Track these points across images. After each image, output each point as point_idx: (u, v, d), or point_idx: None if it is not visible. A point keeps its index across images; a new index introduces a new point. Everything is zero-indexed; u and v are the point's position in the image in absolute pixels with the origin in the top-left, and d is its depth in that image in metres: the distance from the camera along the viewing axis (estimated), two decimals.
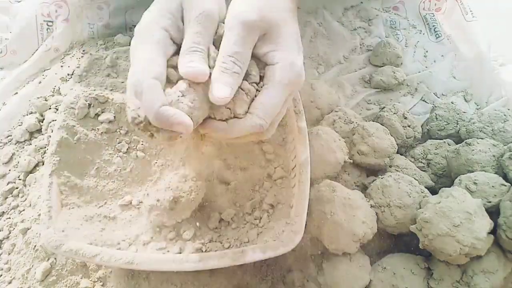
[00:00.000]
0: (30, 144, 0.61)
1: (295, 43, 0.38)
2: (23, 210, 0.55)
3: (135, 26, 0.37)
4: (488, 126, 0.57)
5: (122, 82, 0.53)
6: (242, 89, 0.35)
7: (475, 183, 0.48)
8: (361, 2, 0.82)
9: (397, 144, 0.57)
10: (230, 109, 0.34)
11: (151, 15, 0.35)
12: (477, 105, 0.71)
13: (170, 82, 0.34)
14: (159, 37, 0.34)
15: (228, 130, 0.35)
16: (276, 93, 0.36)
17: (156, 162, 0.51)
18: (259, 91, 0.36)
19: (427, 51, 0.76)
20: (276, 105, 0.36)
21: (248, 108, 0.35)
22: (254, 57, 0.37)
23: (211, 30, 0.35)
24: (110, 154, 0.49)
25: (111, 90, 0.52)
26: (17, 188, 0.57)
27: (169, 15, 0.35)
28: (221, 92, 0.33)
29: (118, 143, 0.50)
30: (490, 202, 0.47)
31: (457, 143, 0.59)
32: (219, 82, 0.33)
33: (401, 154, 0.61)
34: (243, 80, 0.35)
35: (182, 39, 0.35)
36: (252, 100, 0.36)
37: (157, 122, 0.31)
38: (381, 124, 0.58)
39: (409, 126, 0.61)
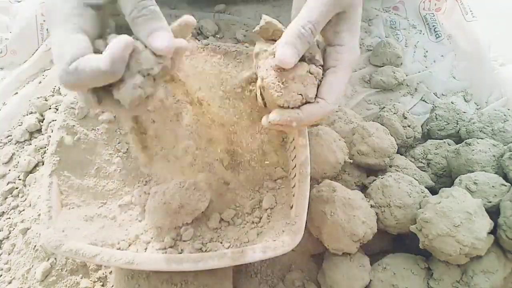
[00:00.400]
0: (30, 144, 0.61)
1: (359, 26, 0.38)
2: (23, 210, 0.55)
3: None
4: (488, 126, 0.57)
5: None
6: (311, 73, 0.34)
7: (475, 183, 0.48)
8: None
9: (397, 144, 0.57)
10: (301, 94, 0.34)
11: None
12: (477, 105, 0.71)
13: None
14: (67, 11, 0.29)
15: (303, 118, 0.34)
16: (344, 76, 0.35)
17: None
18: (324, 74, 0.35)
19: (427, 51, 0.76)
20: (343, 88, 0.35)
21: (317, 91, 0.35)
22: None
23: None
24: (110, 154, 0.49)
25: None
26: (17, 188, 0.57)
27: None
28: (290, 55, 0.32)
29: (118, 143, 0.50)
30: (490, 202, 0.47)
31: (457, 143, 0.59)
32: (291, 45, 0.32)
33: (401, 154, 0.61)
34: (311, 63, 0.35)
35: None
36: (318, 83, 0.35)
37: (116, 68, 0.27)
38: (381, 124, 0.58)
39: (409, 126, 0.61)
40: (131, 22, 0.29)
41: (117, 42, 0.27)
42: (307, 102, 0.34)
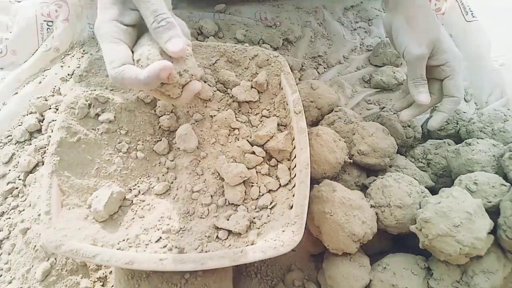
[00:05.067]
0: (30, 144, 0.61)
1: (446, 35, 0.54)
2: (23, 210, 0.55)
3: None
4: (488, 126, 0.57)
5: None
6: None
7: (475, 183, 0.48)
8: (361, 2, 0.82)
9: (397, 144, 0.57)
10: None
11: (98, 17, 0.38)
12: (477, 105, 0.71)
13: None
14: (110, 30, 0.37)
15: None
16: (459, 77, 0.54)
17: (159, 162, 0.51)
18: None
19: None
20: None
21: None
22: None
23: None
24: (110, 154, 0.49)
25: (111, 90, 0.52)
26: (17, 188, 0.57)
27: (109, 5, 0.38)
28: (426, 99, 0.53)
29: (118, 143, 0.50)
30: (490, 202, 0.47)
31: (457, 143, 0.59)
32: (424, 92, 0.53)
33: (401, 154, 0.61)
34: None
35: (134, 17, 0.38)
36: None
37: (147, 85, 0.35)
38: (381, 124, 0.58)
39: (409, 126, 0.61)
40: (153, 31, 0.36)
41: (157, 65, 0.34)
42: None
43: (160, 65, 0.34)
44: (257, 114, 0.54)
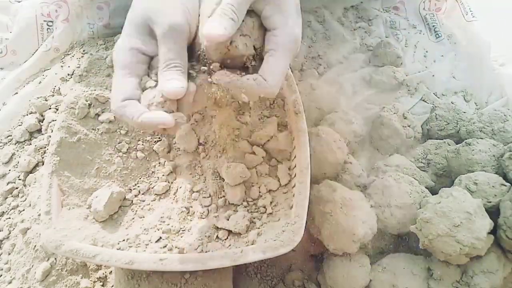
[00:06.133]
0: (30, 144, 0.61)
1: (294, 7, 0.38)
2: (23, 210, 0.55)
3: None
4: (488, 126, 0.57)
5: None
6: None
7: (475, 183, 0.48)
8: (361, 2, 0.82)
9: (397, 144, 0.57)
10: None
11: (120, 40, 0.37)
12: (477, 105, 0.71)
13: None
14: (126, 60, 0.36)
15: (239, 85, 0.36)
16: (282, 59, 0.37)
17: (159, 163, 0.51)
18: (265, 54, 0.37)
19: (427, 51, 0.76)
20: (282, 70, 0.37)
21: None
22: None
23: (183, 43, 0.36)
24: (110, 154, 0.49)
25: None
26: (17, 188, 0.57)
27: (135, 33, 0.36)
28: (216, 30, 0.33)
29: (118, 143, 0.50)
30: (490, 202, 0.47)
31: (457, 143, 0.59)
32: (215, 22, 0.34)
33: (401, 154, 0.61)
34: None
35: (155, 49, 0.36)
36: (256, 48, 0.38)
37: (143, 129, 0.34)
38: (381, 124, 0.58)
39: (409, 126, 0.61)
40: (160, 72, 0.35)
41: (158, 118, 0.33)
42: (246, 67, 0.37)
43: (159, 119, 0.33)
44: (257, 114, 0.54)
